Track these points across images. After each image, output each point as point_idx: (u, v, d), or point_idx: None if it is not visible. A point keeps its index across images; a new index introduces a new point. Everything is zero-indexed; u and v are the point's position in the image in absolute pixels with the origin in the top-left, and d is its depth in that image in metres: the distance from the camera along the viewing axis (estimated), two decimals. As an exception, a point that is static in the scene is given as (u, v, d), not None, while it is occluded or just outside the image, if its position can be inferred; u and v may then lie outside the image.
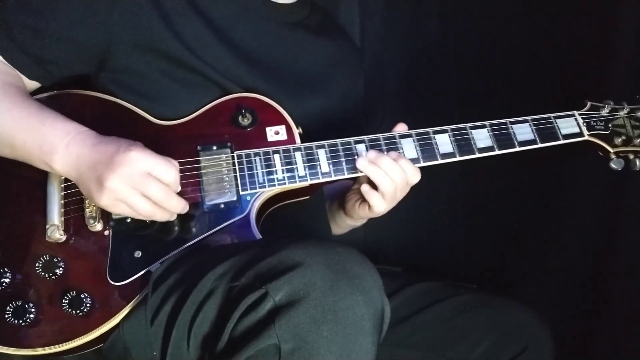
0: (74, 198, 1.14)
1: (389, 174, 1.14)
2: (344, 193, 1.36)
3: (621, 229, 1.64)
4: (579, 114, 1.29)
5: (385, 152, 1.17)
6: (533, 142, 1.25)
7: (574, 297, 1.77)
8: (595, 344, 1.69)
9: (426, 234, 1.82)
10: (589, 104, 1.32)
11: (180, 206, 1.08)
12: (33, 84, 1.23)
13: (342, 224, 1.44)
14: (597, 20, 1.63)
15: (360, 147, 1.20)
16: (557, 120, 1.27)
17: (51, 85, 1.26)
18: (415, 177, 1.16)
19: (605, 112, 1.31)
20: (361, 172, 1.16)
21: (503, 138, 1.24)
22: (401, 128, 1.23)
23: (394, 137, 1.22)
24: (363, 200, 1.23)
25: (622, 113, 1.31)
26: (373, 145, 1.20)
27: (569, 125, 1.27)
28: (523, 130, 1.25)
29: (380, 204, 1.17)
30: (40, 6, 1.17)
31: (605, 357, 1.67)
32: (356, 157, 1.17)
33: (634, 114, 1.32)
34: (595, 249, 1.73)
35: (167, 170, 1.04)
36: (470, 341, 1.32)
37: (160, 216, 1.07)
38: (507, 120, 1.26)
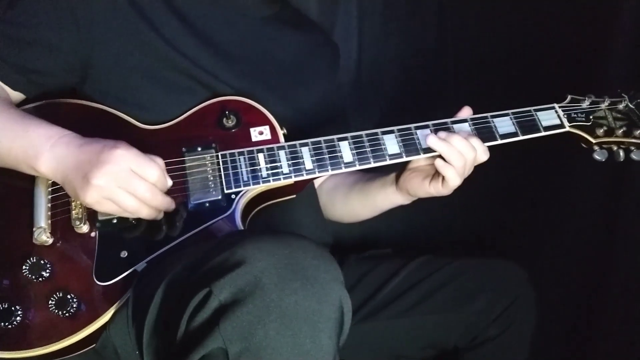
0: (61, 201, 1.16)
1: (461, 150, 1.19)
2: (387, 176, 1.38)
3: (620, 226, 1.64)
4: (559, 107, 1.31)
5: (454, 131, 1.23)
6: (514, 134, 1.26)
7: (572, 296, 1.77)
8: (595, 342, 1.68)
9: (424, 229, 1.82)
10: (569, 97, 1.33)
11: (166, 203, 1.10)
12: (17, 95, 1.24)
13: (382, 205, 1.42)
14: (586, 24, 1.66)
15: (343, 144, 1.22)
16: (538, 113, 1.29)
17: (38, 97, 1.27)
18: (483, 155, 1.22)
19: (586, 104, 1.32)
20: (433, 149, 1.20)
21: (485, 131, 1.26)
22: (467, 112, 1.27)
23: (376, 134, 1.24)
24: (433, 177, 1.25)
25: (603, 105, 1.33)
26: (356, 142, 1.22)
27: (549, 117, 1.29)
28: (504, 124, 1.27)
29: (455, 177, 1.20)
30: (20, 15, 1.19)
31: (605, 356, 1.65)
32: (423, 136, 1.22)
33: (616, 106, 1.33)
34: (594, 247, 1.72)
35: (150, 169, 1.05)
36: (467, 301, 1.37)
37: (147, 213, 1.08)
38: (488, 114, 1.28)
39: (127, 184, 1.04)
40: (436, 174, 1.24)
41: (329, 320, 0.84)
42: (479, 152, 1.21)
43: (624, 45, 1.60)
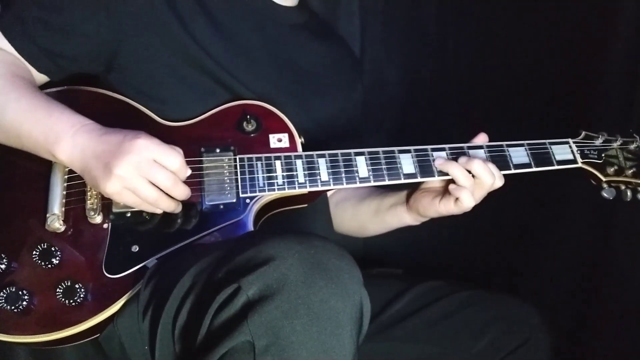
0: (76, 190, 1.16)
1: (480, 174, 1.20)
2: (399, 194, 1.38)
3: (619, 229, 1.65)
4: (573, 142, 1.33)
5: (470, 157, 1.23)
6: (528, 165, 1.28)
7: (572, 299, 1.79)
8: (594, 345, 1.70)
9: (426, 236, 1.82)
10: (583, 133, 1.35)
11: (185, 192, 1.11)
12: (41, 77, 1.25)
13: (391, 222, 1.43)
14: (592, 49, 1.67)
15: (360, 159, 1.23)
16: (552, 147, 1.31)
17: (61, 81, 1.28)
18: (499, 181, 1.23)
19: (598, 142, 1.35)
20: (445, 173, 1.22)
21: (499, 160, 1.27)
22: (482, 138, 1.29)
23: (392, 152, 1.25)
24: (444, 195, 1.25)
25: (615, 144, 1.35)
26: (372, 158, 1.23)
27: (563, 151, 1.31)
28: (518, 154, 1.29)
29: (468, 198, 1.21)
30: (53, 0, 1.20)
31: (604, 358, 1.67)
32: (435, 159, 1.24)
33: (627, 146, 1.36)
34: (594, 253, 1.74)
35: (173, 158, 1.07)
36: (474, 334, 1.35)
37: (166, 205, 1.09)
38: (504, 143, 1.30)
39: (149, 173, 1.05)
40: (447, 193, 1.25)
41: (351, 319, 0.86)
42: (496, 178, 1.22)
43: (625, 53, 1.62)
